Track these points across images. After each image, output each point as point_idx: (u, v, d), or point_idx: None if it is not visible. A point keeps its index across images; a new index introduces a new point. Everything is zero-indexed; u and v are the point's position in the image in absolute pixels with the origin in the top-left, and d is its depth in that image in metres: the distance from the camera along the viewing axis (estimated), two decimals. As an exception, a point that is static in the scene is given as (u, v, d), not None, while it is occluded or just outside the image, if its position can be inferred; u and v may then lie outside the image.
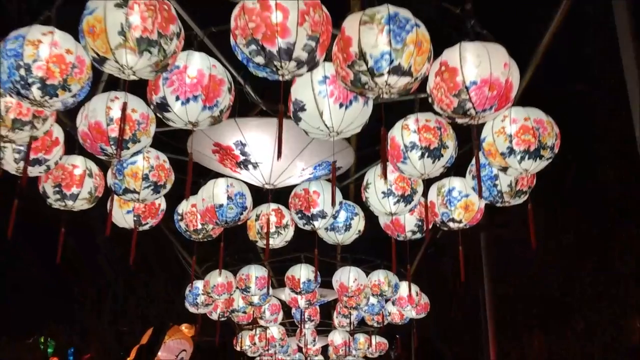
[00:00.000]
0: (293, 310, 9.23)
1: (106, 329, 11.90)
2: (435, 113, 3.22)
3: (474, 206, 4.20)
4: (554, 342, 10.65)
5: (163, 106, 3.13)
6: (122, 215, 4.60)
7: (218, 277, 7.37)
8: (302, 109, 3.12)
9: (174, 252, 8.41)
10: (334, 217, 4.59)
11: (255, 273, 7.13)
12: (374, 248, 8.14)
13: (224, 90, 3.15)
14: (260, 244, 5.12)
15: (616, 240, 9.75)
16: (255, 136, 3.63)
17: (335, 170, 3.23)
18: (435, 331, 12.86)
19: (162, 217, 4.84)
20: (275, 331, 11.01)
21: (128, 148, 3.45)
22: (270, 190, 4.07)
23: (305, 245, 7.49)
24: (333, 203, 3.23)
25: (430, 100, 3.03)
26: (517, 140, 3.28)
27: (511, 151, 3.29)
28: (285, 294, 7.71)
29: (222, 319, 8.67)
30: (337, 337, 11.17)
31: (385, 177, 3.19)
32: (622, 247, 9.72)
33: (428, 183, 4.34)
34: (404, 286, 7.65)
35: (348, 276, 7.08)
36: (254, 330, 11.35)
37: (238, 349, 11.90)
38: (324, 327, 12.14)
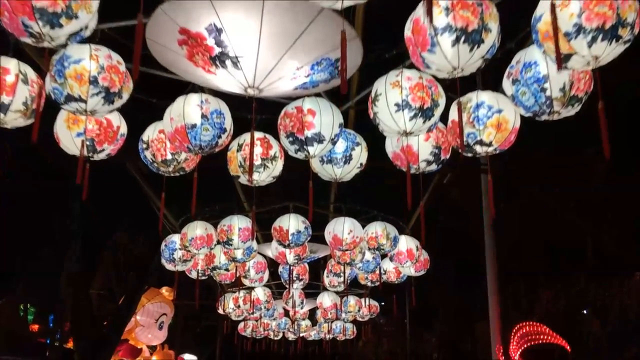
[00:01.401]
0: (280, 269, 8.43)
1: (82, 294, 11.03)
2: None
3: (508, 124, 3.34)
4: (561, 290, 10.01)
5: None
6: (70, 139, 3.68)
7: (196, 229, 6.52)
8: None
9: (151, 205, 7.51)
10: (333, 142, 3.72)
11: (239, 224, 6.27)
12: (370, 199, 7.33)
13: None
14: (243, 179, 4.24)
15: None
16: (235, 19, 2.71)
17: (345, 41, 2.33)
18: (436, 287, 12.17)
19: (123, 144, 3.93)
20: (260, 293, 10.21)
21: (61, 25, 2.53)
22: (254, 98, 3.17)
23: (294, 193, 6.66)
24: (343, 88, 2.35)
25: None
26: (589, 14, 2.41)
27: (579, 29, 2.43)
28: (272, 249, 6.86)
29: (202, 277, 7.82)
30: (326, 299, 10.40)
31: (431, 17, 2.32)
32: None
33: (449, 102, 3.48)
34: (403, 240, 6.87)
35: (342, 228, 6.24)
36: (238, 292, 10.56)
37: (221, 311, 11.13)
38: (312, 289, 11.40)
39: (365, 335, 12.91)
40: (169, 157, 4.03)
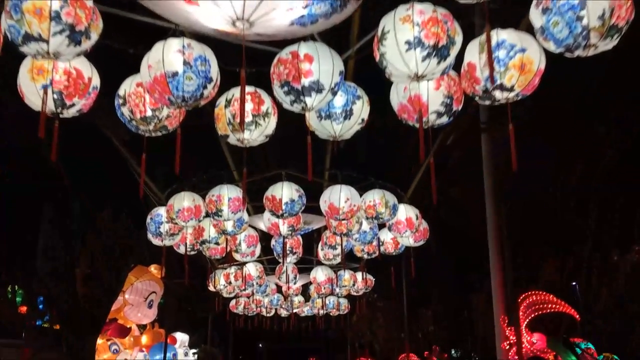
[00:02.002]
0: (273, 242, 8.04)
1: (69, 275, 10.59)
2: None
3: (532, 65, 2.94)
4: (564, 259, 9.75)
5: None
6: (35, 91, 3.22)
7: (183, 200, 6.10)
8: None
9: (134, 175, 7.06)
10: (333, 92, 3.30)
11: (228, 194, 5.86)
12: (367, 166, 6.93)
13: None
14: (233, 138, 3.81)
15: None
16: None
17: None
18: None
19: (96, 98, 3.48)
20: (252, 268, 9.85)
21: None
22: (244, 35, 2.73)
23: (288, 157, 6.24)
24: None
25: None
26: None
27: None
28: (264, 220, 6.46)
29: (192, 252, 7.42)
30: (320, 274, 10.07)
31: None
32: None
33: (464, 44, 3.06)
34: (402, 209, 6.50)
35: (339, 196, 5.85)
36: (229, 268, 10.19)
37: (212, 288, 10.77)
38: (305, 264, 11.06)
39: (359, 310, 12.62)
40: (149, 113, 3.58)
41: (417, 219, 6.57)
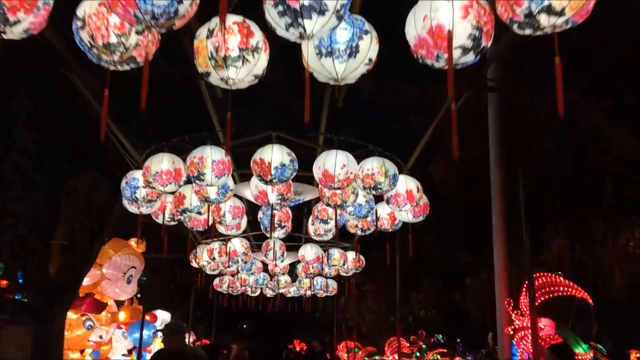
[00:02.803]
0: (260, 215, 7.44)
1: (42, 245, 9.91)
2: None
3: (589, -17, 2.35)
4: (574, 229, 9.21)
5: None
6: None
7: (162, 162, 5.45)
8: None
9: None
10: (338, 16, 2.69)
11: (212, 155, 5.24)
12: (366, 132, 6.31)
13: None
14: (215, 77, 3.18)
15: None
16: None
17: None
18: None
19: (48, 17, 2.83)
20: (237, 244, 9.24)
21: None
22: None
23: (277, 122, 5.61)
24: None
25: None
26: None
27: None
28: (251, 187, 5.84)
29: (171, 223, 6.81)
30: (309, 252, 9.49)
31: None
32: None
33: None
34: (402, 180, 5.92)
35: (334, 161, 5.25)
36: (212, 242, 9.59)
37: (194, 264, 10.17)
38: (293, 242, 10.49)
39: (348, 292, 12.10)
40: (113, 39, 2.94)
41: (417, 191, 6.00)
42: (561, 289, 6.88)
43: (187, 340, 13.80)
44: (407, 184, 5.96)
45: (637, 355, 12.02)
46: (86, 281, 10.72)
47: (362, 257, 10.18)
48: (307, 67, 3.16)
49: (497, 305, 6.19)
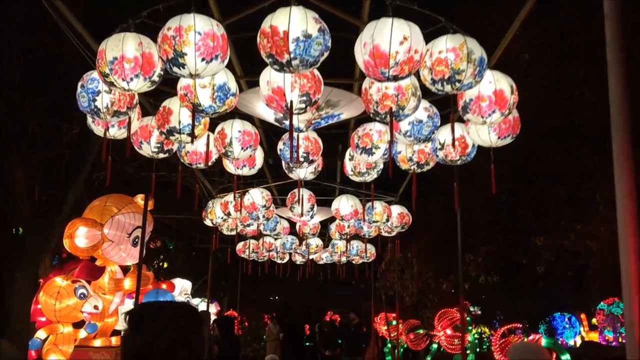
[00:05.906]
0: (280, 146, 5.31)
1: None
2: None
3: None
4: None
5: None
6: None
7: (123, 43, 3.42)
8: None
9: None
10: None
11: (197, 26, 3.23)
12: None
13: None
14: None
15: None
16: None
17: None
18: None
19: None
20: (257, 195, 7.29)
21: None
22: None
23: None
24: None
25: None
26: None
27: None
28: (261, 82, 3.73)
29: (160, 154, 4.83)
30: (344, 205, 7.39)
31: None
32: None
33: None
34: (488, 75, 3.82)
35: (389, 34, 3.18)
36: (228, 195, 7.67)
37: (208, 222, 8.30)
38: (325, 195, 8.50)
39: (392, 255, 10.06)
40: None
41: (512, 93, 3.87)
42: None
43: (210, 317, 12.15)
44: (495, 81, 3.84)
45: None
46: (84, 243, 8.82)
47: (407, 212, 8.13)
48: None
49: (622, 276, 4.02)
